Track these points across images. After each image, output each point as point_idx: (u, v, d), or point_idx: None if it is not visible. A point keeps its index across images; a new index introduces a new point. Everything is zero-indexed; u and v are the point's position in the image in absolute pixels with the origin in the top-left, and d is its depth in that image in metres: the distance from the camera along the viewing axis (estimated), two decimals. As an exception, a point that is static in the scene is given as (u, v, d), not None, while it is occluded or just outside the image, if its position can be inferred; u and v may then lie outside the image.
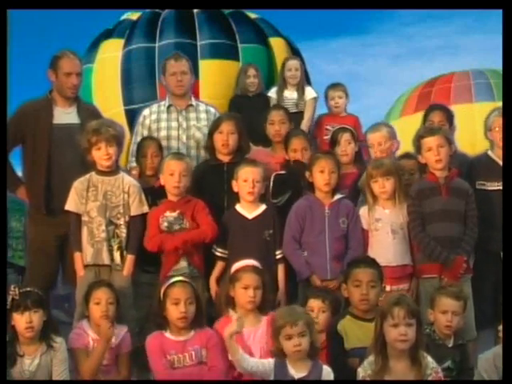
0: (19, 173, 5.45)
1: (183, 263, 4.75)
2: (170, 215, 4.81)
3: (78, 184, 4.80)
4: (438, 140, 4.89)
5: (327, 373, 3.86)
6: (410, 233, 4.88)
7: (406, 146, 6.71)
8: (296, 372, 3.80)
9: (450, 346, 4.25)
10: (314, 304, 4.44)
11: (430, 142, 4.90)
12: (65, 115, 5.24)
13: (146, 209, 4.85)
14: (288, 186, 5.28)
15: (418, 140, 5.01)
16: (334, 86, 6.62)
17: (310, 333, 3.81)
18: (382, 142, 5.38)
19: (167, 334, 4.17)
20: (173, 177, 4.85)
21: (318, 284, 4.74)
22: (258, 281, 4.28)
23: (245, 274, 4.29)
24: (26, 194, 5.28)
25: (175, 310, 4.13)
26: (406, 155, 5.43)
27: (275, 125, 5.80)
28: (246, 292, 4.26)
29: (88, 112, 5.35)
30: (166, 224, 4.80)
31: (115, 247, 4.73)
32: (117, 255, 4.72)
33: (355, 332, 4.17)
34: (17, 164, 5.42)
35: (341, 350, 4.15)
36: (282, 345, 3.80)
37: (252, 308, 4.26)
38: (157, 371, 4.10)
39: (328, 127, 6.29)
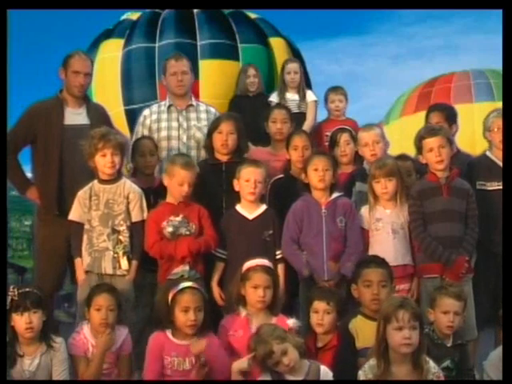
0: (28, 173, 5.44)
1: (185, 266, 4.73)
2: (175, 219, 4.78)
3: (82, 194, 4.79)
4: (439, 141, 4.89)
5: (325, 373, 3.85)
6: (410, 233, 4.88)
7: (405, 145, 6.71)
8: (294, 378, 3.79)
9: (449, 345, 4.24)
10: (319, 306, 4.44)
11: (431, 142, 4.90)
12: (75, 116, 5.25)
13: (146, 215, 4.84)
14: (286, 191, 5.25)
15: (419, 141, 5.01)
16: (335, 89, 6.60)
17: (291, 342, 3.80)
18: (377, 140, 5.37)
19: (170, 336, 4.14)
20: (182, 186, 4.82)
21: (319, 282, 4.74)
22: (269, 280, 4.30)
23: (255, 273, 4.31)
24: (36, 195, 5.27)
25: (184, 317, 4.11)
26: (402, 156, 5.43)
27: (277, 123, 5.82)
28: (255, 291, 4.27)
29: (97, 113, 5.36)
30: (170, 229, 4.76)
31: (121, 253, 4.70)
32: (123, 261, 4.69)
33: (366, 332, 4.13)
34: (23, 164, 5.43)
35: (352, 350, 4.14)
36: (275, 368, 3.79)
37: (262, 307, 4.27)
38: (147, 371, 4.09)
39: (328, 134, 6.26)
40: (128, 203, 4.79)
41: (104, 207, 4.76)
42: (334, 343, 4.31)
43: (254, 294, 4.27)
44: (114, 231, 4.72)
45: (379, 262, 4.41)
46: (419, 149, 5.00)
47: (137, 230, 4.78)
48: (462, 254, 4.76)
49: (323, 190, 4.91)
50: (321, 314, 4.41)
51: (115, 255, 4.69)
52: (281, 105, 6.29)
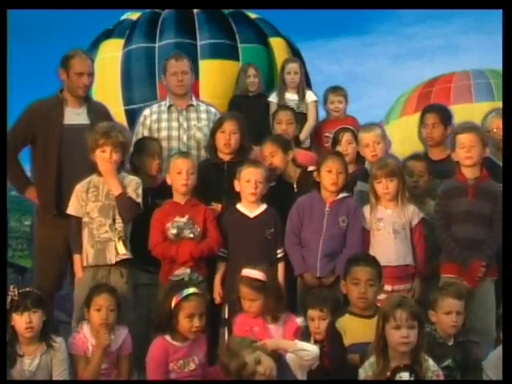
0: (27, 173, 5.42)
1: (186, 269, 4.72)
2: (180, 220, 4.78)
3: (79, 187, 4.79)
4: (473, 138, 4.78)
5: (289, 358, 3.84)
6: (412, 233, 4.88)
7: (405, 145, 6.70)
8: None
9: (451, 344, 4.23)
10: (314, 314, 4.46)
11: (464, 138, 4.81)
12: (75, 116, 5.22)
13: (139, 201, 4.77)
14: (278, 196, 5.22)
15: (453, 137, 4.96)
16: (335, 89, 6.57)
17: (263, 350, 3.78)
18: (378, 140, 5.35)
19: (171, 340, 4.08)
20: (180, 175, 4.84)
21: (311, 281, 4.77)
22: (253, 294, 4.22)
23: (241, 285, 4.27)
24: (35, 194, 5.25)
25: (189, 324, 4.06)
26: (415, 156, 5.40)
27: (282, 124, 5.84)
28: (244, 302, 4.26)
29: (98, 112, 5.32)
30: (175, 231, 4.76)
31: (116, 239, 4.69)
32: (120, 246, 4.67)
33: (354, 328, 4.16)
34: (23, 164, 5.41)
35: (340, 347, 4.13)
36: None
37: (253, 317, 4.22)
38: (152, 379, 4.06)
39: (328, 134, 6.24)
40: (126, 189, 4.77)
41: (104, 198, 4.75)
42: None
43: (243, 303, 4.27)
44: (115, 222, 4.72)
45: (369, 260, 4.39)
46: (452, 145, 4.92)
47: (119, 202, 4.71)
48: (479, 257, 4.68)
49: (334, 192, 4.92)
50: (316, 322, 4.45)
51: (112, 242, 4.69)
52: (286, 106, 6.29)
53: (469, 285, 4.63)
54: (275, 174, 5.30)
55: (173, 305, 4.07)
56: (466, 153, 4.78)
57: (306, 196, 5.00)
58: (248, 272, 4.31)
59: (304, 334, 4.28)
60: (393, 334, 3.65)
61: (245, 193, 4.92)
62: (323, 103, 6.65)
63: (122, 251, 4.68)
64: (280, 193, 5.24)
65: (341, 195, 4.94)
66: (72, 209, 4.80)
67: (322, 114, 6.74)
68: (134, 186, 4.79)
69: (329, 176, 4.89)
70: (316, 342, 4.38)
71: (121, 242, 4.68)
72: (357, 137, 5.58)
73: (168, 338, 4.09)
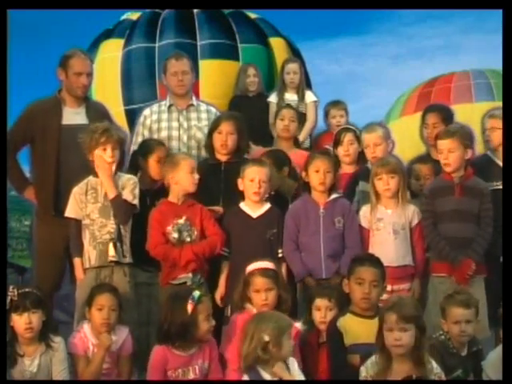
0: (26, 173, 5.42)
1: (188, 274, 4.70)
2: (179, 222, 4.75)
3: (77, 189, 4.78)
4: (450, 144, 4.84)
5: (291, 361, 3.83)
6: (411, 233, 4.88)
7: (405, 145, 6.71)
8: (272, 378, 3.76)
9: (464, 354, 4.19)
10: (321, 303, 4.45)
11: (442, 144, 4.87)
12: (74, 115, 5.21)
13: (135, 202, 4.77)
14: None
15: (434, 140, 5.02)
16: (336, 104, 6.56)
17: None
18: (378, 142, 5.31)
19: (172, 349, 4.05)
20: (193, 174, 4.81)
21: (313, 285, 4.75)
22: (268, 283, 4.25)
23: (255, 278, 4.28)
24: (34, 194, 5.26)
25: (208, 325, 4.08)
26: (421, 159, 5.39)
27: (285, 120, 5.86)
28: (258, 295, 4.25)
29: (97, 112, 5.31)
30: (176, 235, 4.72)
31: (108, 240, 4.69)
32: (110, 248, 4.65)
33: (355, 328, 4.15)
34: (22, 163, 5.42)
35: (340, 347, 4.13)
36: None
37: (268, 310, 4.20)
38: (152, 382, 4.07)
39: (328, 147, 6.24)
40: (122, 190, 4.76)
41: (104, 199, 4.74)
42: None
43: (258, 297, 4.26)
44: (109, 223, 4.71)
45: (374, 260, 4.37)
46: (435, 148, 5.01)
47: (114, 205, 4.70)
48: (469, 255, 4.72)
49: (323, 191, 4.91)
50: (323, 311, 4.43)
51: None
52: (290, 106, 6.30)
53: (459, 282, 4.65)
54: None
55: (189, 311, 4.04)
56: (444, 159, 4.85)
57: (298, 201, 4.99)
58: (257, 265, 4.33)
59: (304, 338, 4.27)
60: (387, 336, 3.67)
61: (248, 192, 4.89)
62: (324, 118, 6.63)
63: (112, 253, 4.66)
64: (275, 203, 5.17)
65: (333, 196, 4.93)
66: (71, 212, 4.78)
67: (322, 114, 6.73)
68: (130, 187, 4.79)
69: (316, 176, 4.87)
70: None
71: (111, 245, 4.68)
72: (358, 137, 5.55)
73: (169, 346, 4.05)
